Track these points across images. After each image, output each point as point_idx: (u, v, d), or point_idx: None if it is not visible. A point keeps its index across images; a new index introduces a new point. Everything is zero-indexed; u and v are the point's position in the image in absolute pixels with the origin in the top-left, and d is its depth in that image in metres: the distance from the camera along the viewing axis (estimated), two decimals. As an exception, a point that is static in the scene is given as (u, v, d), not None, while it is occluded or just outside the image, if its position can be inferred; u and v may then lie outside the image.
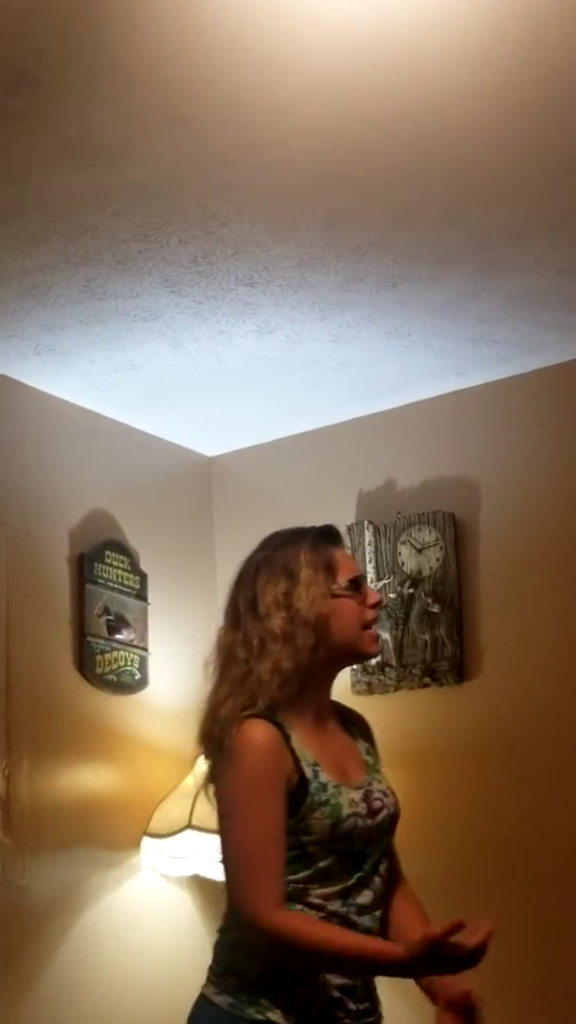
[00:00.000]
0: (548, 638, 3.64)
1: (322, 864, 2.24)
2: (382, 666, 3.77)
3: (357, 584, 2.39)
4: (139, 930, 3.71)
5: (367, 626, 2.40)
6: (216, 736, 2.28)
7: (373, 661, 3.64)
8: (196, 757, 2.34)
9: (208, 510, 4.37)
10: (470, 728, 3.67)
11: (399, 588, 3.83)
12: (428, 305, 3.35)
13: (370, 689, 3.76)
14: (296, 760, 2.24)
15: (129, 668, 3.84)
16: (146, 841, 3.66)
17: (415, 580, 3.79)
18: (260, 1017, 2.20)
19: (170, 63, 2.33)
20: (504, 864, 3.57)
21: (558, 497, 3.70)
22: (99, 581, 3.80)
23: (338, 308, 3.34)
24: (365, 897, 2.29)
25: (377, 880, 2.32)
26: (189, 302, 3.26)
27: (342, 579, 2.37)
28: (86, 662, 3.71)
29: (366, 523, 3.92)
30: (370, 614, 2.40)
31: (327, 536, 2.44)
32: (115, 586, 3.85)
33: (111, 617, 3.81)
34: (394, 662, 3.77)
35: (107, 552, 3.85)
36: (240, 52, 2.31)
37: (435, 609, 3.74)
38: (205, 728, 2.33)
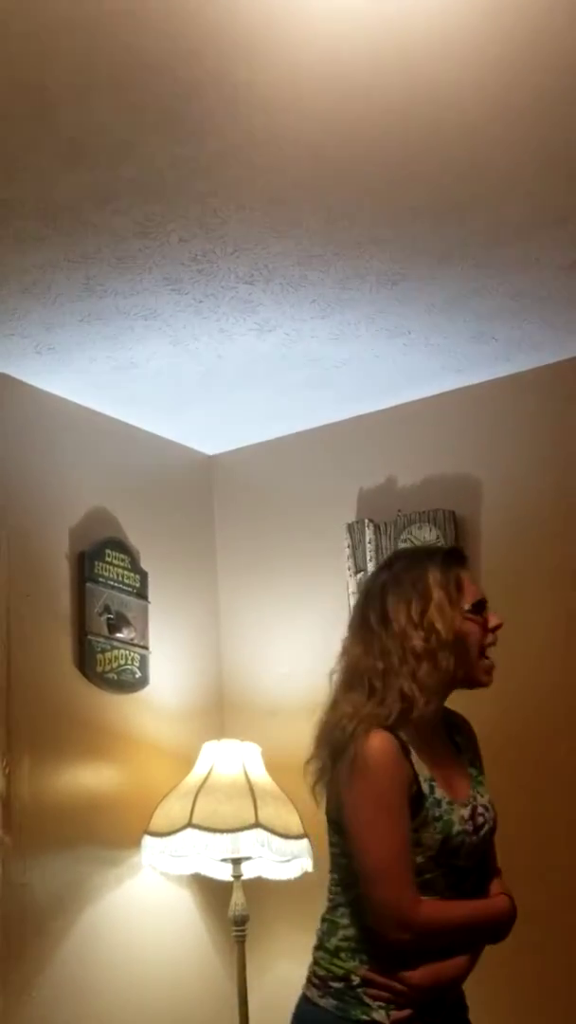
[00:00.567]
0: (548, 636, 3.64)
1: (428, 876, 2.32)
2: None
3: (480, 607, 2.45)
4: (140, 928, 3.71)
5: (484, 650, 2.46)
6: (340, 744, 2.32)
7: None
8: (316, 757, 2.42)
9: (208, 508, 4.37)
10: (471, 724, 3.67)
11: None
12: (428, 303, 3.35)
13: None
14: (415, 774, 2.31)
15: (129, 667, 3.84)
16: (147, 839, 3.66)
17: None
18: (365, 1018, 2.27)
19: (169, 61, 2.33)
20: (511, 865, 3.56)
21: (558, 494, 3.70)
22: (99, 579, 3.79)
23: (338, 306, 3.34)
24: None
25: (473, 891, 2.43)
26: (189, 300, 3.26)
27: (467, 602, 2.43)
28: (86, 661, 3.71)
29: (367, 521, 3.92)
30: (489, 638, 2.47)
31: (454, 557, 2.50)
32: (115, 584, 3.85)
33: (111, 615, 3.81)
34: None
35: (107, 550, 3.85)
36: (240, 50, 2.31)
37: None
38: (325, 733, 2.38)
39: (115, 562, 3.87)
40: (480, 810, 2.41)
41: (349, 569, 3.89)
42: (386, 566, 2.50)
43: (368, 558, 3.86)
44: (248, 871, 3.68)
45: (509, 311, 3.42)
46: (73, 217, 2.85)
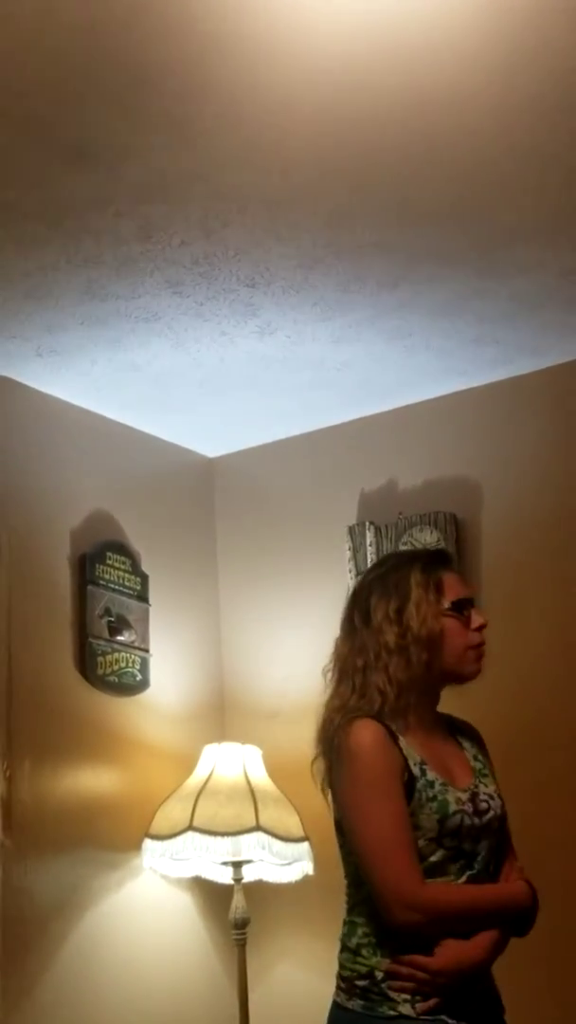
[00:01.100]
0: (548, 638, 3.64)
1: (433, 859, 2.33)
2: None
3: (460, 606, 2.49)
4: (141, 931, 3.71)
5: (471, 648, 2.50)
6: (331, 738, 2.40)
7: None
8: (319, 757, 2.48)
9: (209, 511, 4.38)
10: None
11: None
12: (429, 306, 3.35)
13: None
14: (405, 758, 2.34)
15: (130, 669, 3.84)
16: (147, 843, 3.66)
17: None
18: (392, 1013, 2.28)
19: (171, 64, 2.33)
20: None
21: (559, 497, 3.70)
22: (100, 582, 3.79)
23: (339, 309, 3.34)
24: None
25: (488, 881, 2.43)
26: (190, 303, 3.26)
27: (447, 601, 2.47)
28: (87, 663, 3.70)
29: (368, 524, 3.92)
30: (474, 637, 2.50)
31: (438, 559, 2.57)
32: (116, 587, 3.85)
33: (112, 618, 3.81)
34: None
35: (108, 553, 3.85)
36: (241, 53, 2.31)
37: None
38: (322, 730, 2.45)
39: (116, 565, 3.87)
40: (483, 796, 2.43)
41: (350, 571, 3.89)
42: (375, 567, 2.61)
43: (369, 561, 3.85)
44: (249, 874, 3.68)
45: (510, 314, 3.42)
46: (75, 220, 2.85)
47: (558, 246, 3.07)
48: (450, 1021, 2.28)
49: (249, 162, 2.66)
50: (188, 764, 3.79)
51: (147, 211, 2.83)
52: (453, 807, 2.35)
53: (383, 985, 2.30)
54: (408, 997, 2.28)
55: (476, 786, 2.45)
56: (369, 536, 3.90)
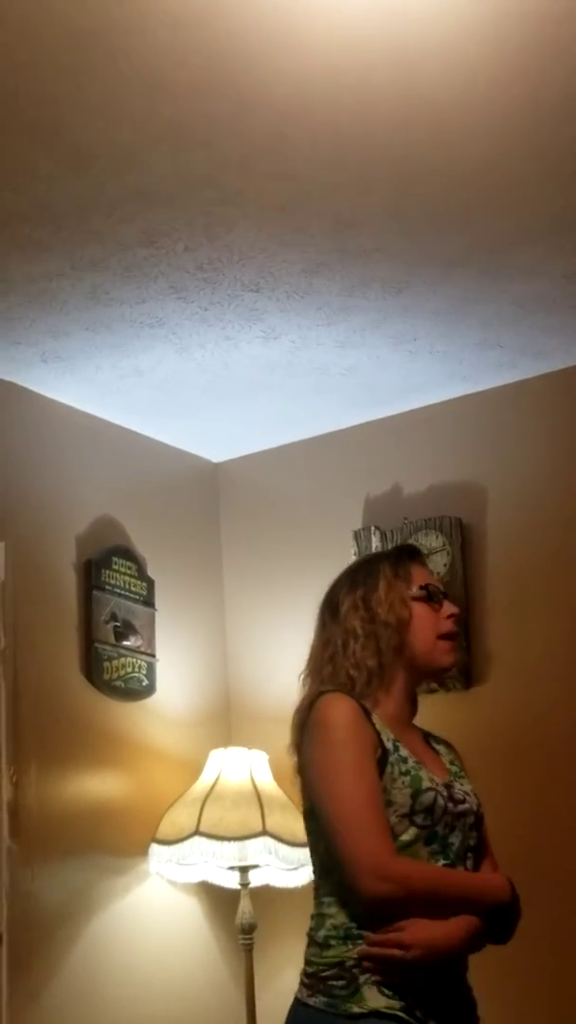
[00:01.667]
0: (555, 643, 3.64)
1: (404, 837, 2.27)
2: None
3: (431, 593, 2.47)
4: (147, 936, 3.71)
5: (442, 637, 2.47)
6: (298, 724, 2.37)
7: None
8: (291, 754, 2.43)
9: (215, 516, 4.38)
10: (478, 733, 3.66)
11: (406, 593, 3.82)
12: (434, 310, 3.35)
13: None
14: (378, 733, 2.31)
15: (136, 674, 3.84)
16: (154, 847, 3.66)
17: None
18: (359, 1010, 2.19)
19: (175, 71, 2.34)
20: (512, 868, 3.56)
21: (565, 501, 3.70)
22: (106, 587, 3.80)
23: (344, 314, 3.34)
24: None
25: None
26: (195, 308, 3.27)
27: (414, 586, 2.46)
28: (93, 668, 3.71)
29: (373, 528, 3.92)
30: (444, 624, 2.47)
31: (406, 552, 2.57)
32: (122, 592, 3.85)
33: (118, 623, 3.81)
34: (401, 667, 3.76)
35: (114, 558, 3.85)
36: (244, 59, 2.31)
37: (442, 614, 3.74)
38: (293, 723, 2.41)
39: (122, 570, 3.87)
40: (459, 790, 2.38)
41: (355, 576, 3.89)
42: (349, 566, 2.60)
43: (374, 565, 3.85)
44: (255, 879, 3.67)
45: (514, 318, 3.42)
46: (79, 226, 2.86)
47: (562, 250, 3.07)
48: (422, 1017, 2.19)
49: (253, 167, 2.67)
50: (194, 769, 3.79)
51: (151, 217, 2.84)
52: (426, 783, 2.30)
53: (354, 971, 2.21)
54: (377, 979, 2.19)
55: (452, 782, 2.40)
56: (374, 540, 3.90)
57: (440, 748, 2.53)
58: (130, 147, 2.58)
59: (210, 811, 3.57)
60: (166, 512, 4.18)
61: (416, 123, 2.53)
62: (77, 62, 2.31)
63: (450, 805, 2.33)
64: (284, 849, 3.54)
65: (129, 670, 3.82)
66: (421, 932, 2.20)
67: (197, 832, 3.55)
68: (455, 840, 2.34)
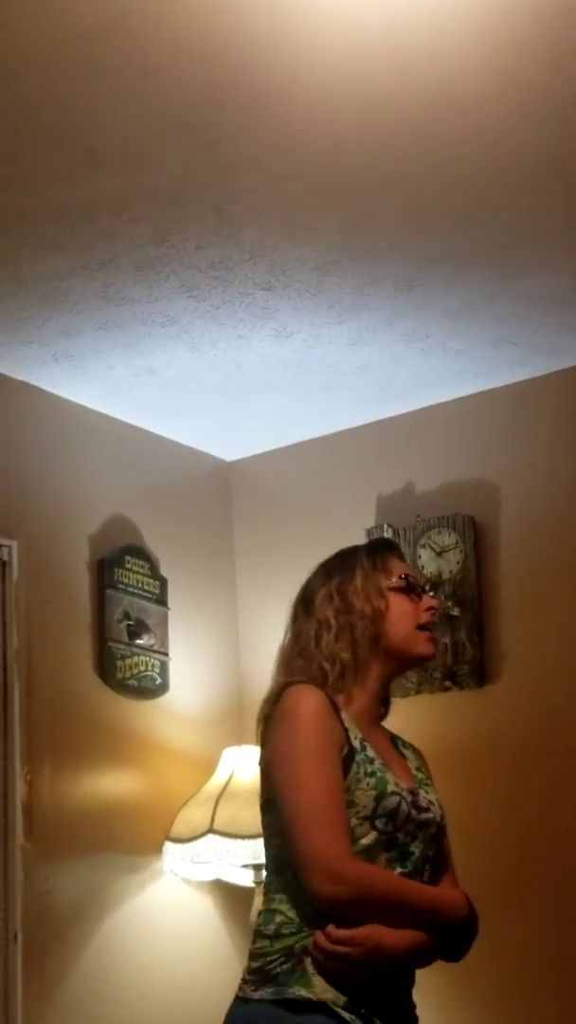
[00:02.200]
0: (569, 641, 3.63)
1: (364, 842, 2.21)
2: (403, 669, 3.76)
3: (410, 585, 2.42)
4: (162, 934, 3.71)
5: (422, 627, 2.42)
6: (263, 714, 2.30)
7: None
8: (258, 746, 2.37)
9: (227, 514, 4.38)
10: (491, 731, 3.66)
11: (419, 591, 3.82)
12: (445, 308, 3.35)
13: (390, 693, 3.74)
14: (346, 730, 2.25)
15: (150, 673, 3.84)
16: (168, 845, 3.66)
17: (435, 583, 3.78)
18: (308, 995, 2.13)
19: (185, 69, 2.34)
20: (523, 867, 3.56)
21: (578, 498, 3.70)
22: (119, 586, 3.80)
23: (355, 311, 3.34)
24: None
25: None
26: (207, 307, 3.27)
27: (393, 577, 2.41)
28: (107, 667, 3.71)
29: (385, 526, 3.92)
30: (423, 615, 2.42)
31: (382, 544, 2.53)
32: (135, 591, 3.85)
33: (131, 622, 3.82)
34: (415, 665, 3.76)
35: (127, 557, 3.85)
36: (254, 57, 2.31)
37: (455, 612, 3.74)
38: (258, 716, 2.35)
39: (135, 569, 3.87)
40: (423, 799, 2.31)
41: (368, 574, 3.89)
42: (321, 565, 2.51)
43: (387, 563, 3.85)
44: (269, 877, 3.67)
45: (526, 315, 3.41)
46: (90, 225, 2.86)
47: (573, 248, 3.07)
48: (366, 1015, 2.14)
49: (264, 165, 2.67)
50: (208, 767, 3.79)
51: (162, 216, 2.84)
52: (391, 787, 2.24)
53: (302, 956, 2.14)
54: (323, 974, 2.12)
55: (417, 788, 2.34)
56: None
57: (407, 753, 2.47)
58: (141, 146, 2.58)
59: (224, 809, 3.58)
60: (178, 511, 4.18)
61: (427, 120, 2.53)
62: (88, 62, 2.31)
63: (413, 812, 2.26)
64: (298, 847, 3.53)
65: (142, 669, 3.82)
66: (367, 931, 2.14)
67: (211, 830, 3.55)
68: (415, 849, 2.27)
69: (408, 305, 3.32)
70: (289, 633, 2.44)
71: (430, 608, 2.43)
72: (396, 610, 2.38)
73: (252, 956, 2.24)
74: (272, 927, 2.22)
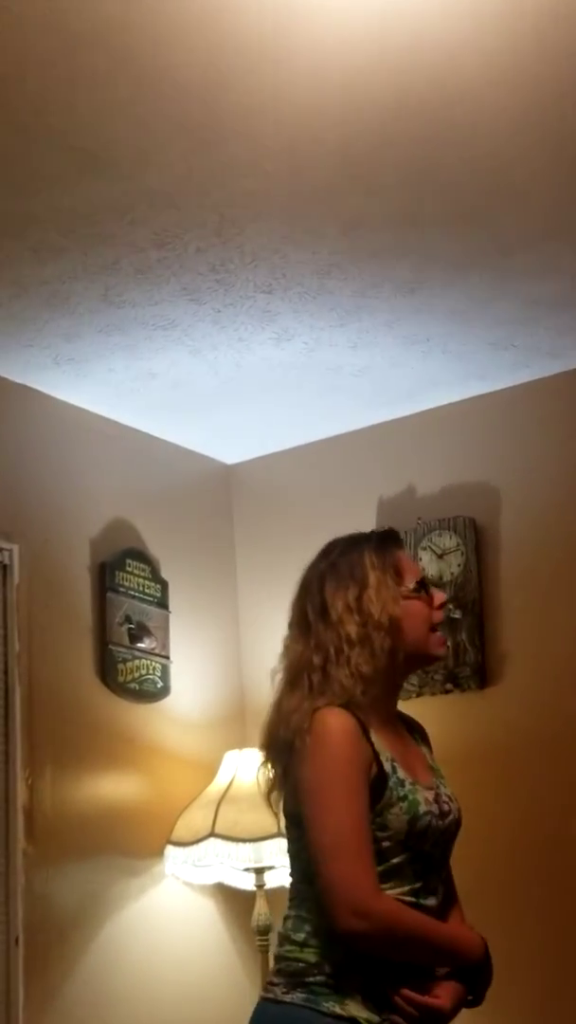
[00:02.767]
0: (570, 643, 3.63)
1: (394, 861, 2.22)
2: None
3: (423, 585, 2.40)
4: (163, 938, 3.71)
5: (434, 628, 2.41)
6: (288, 735, 2.26)
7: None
8: (266, 763, 2.36)
9: (228, 517, 4.38)
10: (492, 734, 3.66)
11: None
12: (446, 310, 3.35)
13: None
14: (375, 753, 2.24)
15: (151, 676, 3.84)
16: (169, 849, 3.66)
17: (436, 586, 3.78)
18: (341, 1012, 2.16)
19: (185, 72, 2.34)
20: (525, 868, 3.56)
21: (579, 501, 3.70)
22: (120, 589, 3.80)
23: (356, 314, 3.34)
24: (431, 900, 2.29)
25: (441, 887, 2.33)
26: (207, 310, 3.27)
27: (409, 581, 2.38)
28: (108, 671, 3.71)
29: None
30: (437, 615, 2.41)
31: (389, 539, 2.45)
32: (136, 594, 3.85)
33: (132, 625, 3.81)
34: (416, 668, 3.76)
35: (128, 560, 3.85)
36: (254, 60, 2.31)
37: (456, 615, 3.74)
38: (271, 732, 2.32)
39: (136, 572, 3.87)
40: (444, 797, 2.33)
41: (369, 577, 3.89)
42: (323, 555, 2.45)
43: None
44: (271, 880, 3.67)
45: (527, 318, 3.41)
46: (91, 228, 2.86)
47: (573, 250, 3.07)
48: None
49: (265, 168, 2.67)
50: (209, 771, 3.79)
51: (163, 218, 2.84)
52: (423, 807, 2.24)
53: (338, 976, 2.17)
54: (361, 998, 2.16)
55: (437, 786, 2.35)
56: (388, 541, 3.89)
57: (417, 738, 2.47)
58: (141, 150, 2.58)
59: (225, 812, 3.57)
60: (179, 514, 4.18)
61: (428, 123, 2.53)
62: (88, 65, 2.31)
63: (440, 823, 2.28)
64: (299, 850, 3.53)
65: (143, 672, 3.82)
66: (442, 1001, 2.21)
67: (212, 834, 3.55)
68: (438, 853, 2.31)
69: (409, 308, 3.32)
70: (302, 640, 2.37)
71: (440, 605, 2.42)
72: (411, 614, 2.36)
73: (280, 959, 2.26)
74: (302, 935, 2.24)
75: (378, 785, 2.21)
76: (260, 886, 3.65)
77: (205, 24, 2.21)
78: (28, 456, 3.66)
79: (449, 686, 3.71)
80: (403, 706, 2.48)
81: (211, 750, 3.90)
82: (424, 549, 3.85)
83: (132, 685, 3.77)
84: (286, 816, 2.32)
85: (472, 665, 3.70)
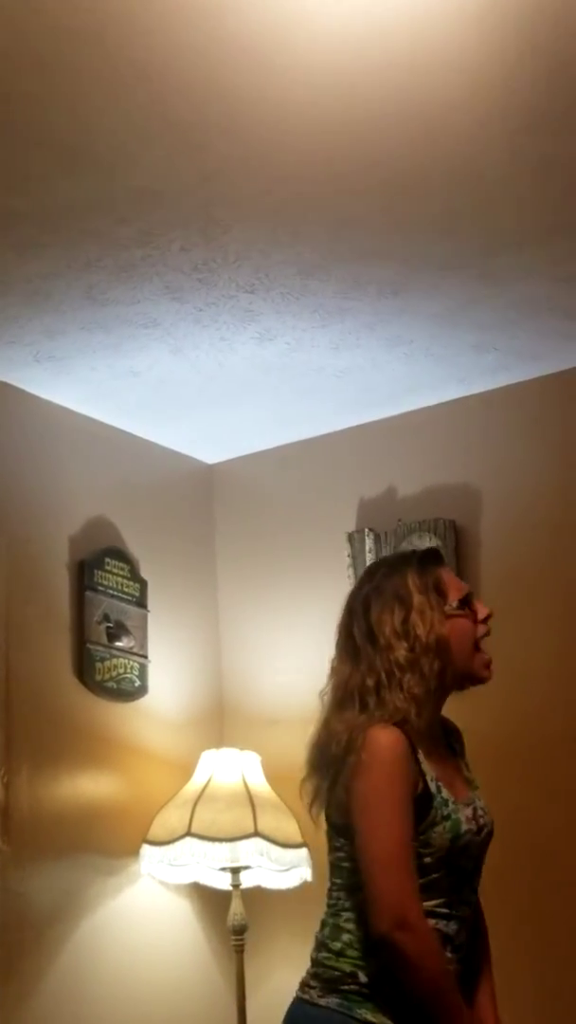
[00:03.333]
0: (548, 645, 3.64)
1: (434, 875, 2.29)
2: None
3: (467, 602, 2.43)
4: (139, 937, 3.71)
5: (479, 643, 2.44)
6: (339, 751, 2.30)
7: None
8: (311, 777, 2.41)
9: (208, 517, 4.37)
10: (471, 734, 3.65)
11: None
12: (429, 313, 3.35)
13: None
14: (422, 772, 2.29)
15: (129, 675, 3.84)
16: (145, 848, 3.66)
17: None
18: (373, 1019, 2.23)
19: (171, 71, 2.34)
20: (503, 866, 3.56)
21: (558, 504, 3.70)
22: (99, 588, 3.79)
23: (339, 316, 3.34)
24: (464, 911, 2.36)
25: (472, 894, 2.39)
26: (190, 309, 3.26)
27: (453, 599, 2.41)
28: (86, 669, 3.70)
29: (367, 531, 3.92)
30: (481, 629, 2.45)
31: (430, 558, 2.48)
32: (115, 593, 3.85)
33: (111, 624, 3.81)
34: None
35: (107, 559, 3.85)
36: (241, 60, 2.31)
37: (435, 617, 3.74)
38: (320, 748, 2.36)
39: (115, 571, 3.86)
40: (480, 811, 2.40)
41: (349, 578, 3.88)
42: (367, 577, 2.50)
43: (368, 567, 3.85)
44: (247, 880, 3.67)
45: (509, 321, 3.42)
46: (75, 225, 2.85)
47: (557, 254, 3.08)
48: None
49: (249, 168, 2.67)
50: (186, 770, 3.79)
51: (147, 217, 2.83)
52: (464, 827, 2.32)
53: (370, 987, 2.24)
54: (392, 1011, 2.22)
55: (473, 800, 2.41)
56: (368, 543, 3.90)
57: (456, 746, 2.53)
58: (126, 147, 2.58)
59: (202, 812, 3.57)
60: (160, 513, 4.17)
61: (412, 126, 2.53)
62: (73, 62, 2.30)
63: (476, 839, 2.35)
64: (276, 851, 3.53)
65: (121, 671, 3.81)
66: None
67: (189, 833, 3.54)
68: (471, 865, 2.37)
69: (391, 310, 3.32)
70: (351, 662, 2.40)
71: (485, 619, 2.46)
72: (457, 632, 2.40)
73: (317, 963, 2.34)
74: (338, 944, 2.31)
75: (423, 804, 2.27)
76: (236, 886, 3.65)
77: (193, 23, 2.21)
78: (7, 454, 3.65)
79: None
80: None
81: (188, 750, 3.90)
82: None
83: (110, 684, 3.76)
84: (330, 827, 2.38)
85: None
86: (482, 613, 2.45)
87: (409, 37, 2.26)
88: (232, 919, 3.65)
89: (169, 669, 4.02)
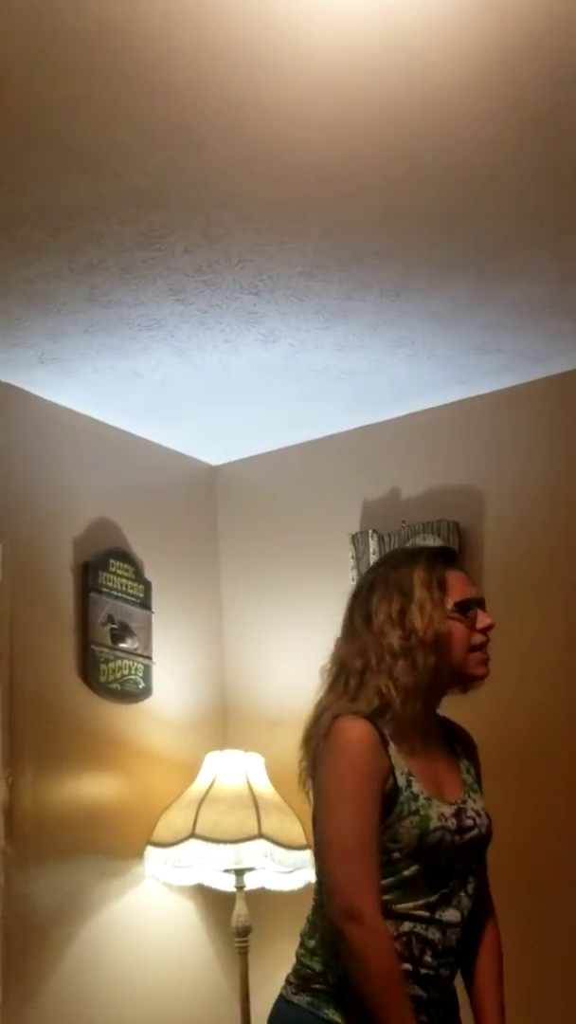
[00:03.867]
0: (551, 647, 3.64)
1: (406, 873, 2.26)
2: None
3: (465, 607, 2.41)
4: (143, 939, 3.71)
5: (474, 649, 2.42)
6: (317, 737, 2.31)
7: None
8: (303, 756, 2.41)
9: (212, 519, 4.38)
10: (474, 735, 3.66)
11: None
12: (432, 314, 3.35)
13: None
14: (391, 766, 2.27)
15: (133, 677, 3.84)
16: (150, 850, 3.66)
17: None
18: (338, 1019, 2.24)
19: (173, 73, 2.34)
20: (502, 869, 3.56)
21: (562, 505, 3.70)
22: (103, 590, 3.79)
23: (342, 317, 3.34)
24: (451, 915, 2.31)
25: (464, 899, 2.35)
26: (193, 311, 3.26)
27: (450, 602, 2.40)
28: (90, 671, 3.70)
29: (371, 532, 3.92)
30: (477, 638, 2.43)
31: (442, 556, 2.47)
32: (119, 595, 3.85)
33: (115, 626, 3.81)
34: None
35: (111, 561, 3.85)
36: (243, 62, 2.31)
37: (439, 618, 3.73)
38: (307, 730, 2.37)
39: (119, 572, 3.87)
40: (470, 813, 2.36)
41: (353, 580, 3.89)
42: (379, 563, 2.51)
43: (372, 569, 3.85)
44: (251, 882, 3.67)
45: (512, 322, 3.42)
46: (77, 228, 2.86)
47: (560, 254, 3.07)
48: None
49: (252, 170, 2.67)
50: (190, 772, 3.79)
51: (150, 218, 2.83)
52: (435, 823, 2.27)
53: (336, 987, 2.24)
54: (359, 1011, 2.20)
55: (464, 801, 2.38)
56: (372, 544, 3.90)
57: (459, 750, 2.51)
58: (129, 149, 2.58)
59: (206, 814, 3.57)
60: (164, 515, 4.18)
61: (415, 127, 2.53)
62: (75, 64, 2.31)
63: (456, 839, 2.30)
64: (280, 852, 3.53)
65: (126, 672, 3.81)
66: None
67: (193, 835, 3.55)
68: (457, 867, 2.33)
69: (394, 311, 3.32)
70: (347, 643, 2.41)
71: (484, 629, 2.44)
72: (455, 634, 2.39)
73: (296, 959, 2.36)
74: (312, 942, 2.33)
75: (391, 799, 2.25)
76: (240, 887, 3.65)
77: (193, 24, 2.21)
78: (12, 455, 3.65)
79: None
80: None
81: (192, 751, 3.90)
82: (408, 552, 3.85)
83: (114, 685, 3.77)
84: (312, 817, 2.36)
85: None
86: (482, 623, 2.43)
87: (410, 37, 2.26)
88: (236, 921, 3.65)
89: (173, 671, 4.02)
